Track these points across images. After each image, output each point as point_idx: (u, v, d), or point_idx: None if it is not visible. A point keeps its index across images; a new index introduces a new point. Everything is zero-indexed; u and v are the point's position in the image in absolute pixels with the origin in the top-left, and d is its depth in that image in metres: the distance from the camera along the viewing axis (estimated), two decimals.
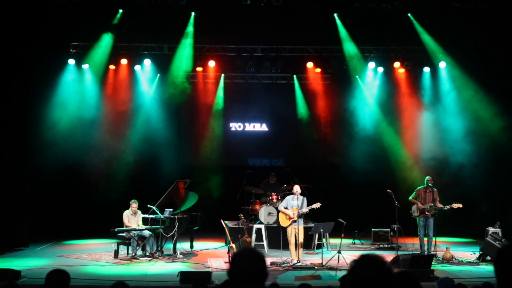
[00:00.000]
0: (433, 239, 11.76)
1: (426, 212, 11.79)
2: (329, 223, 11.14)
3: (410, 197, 12.10)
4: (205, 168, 16.28)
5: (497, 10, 13.92)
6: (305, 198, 11.24)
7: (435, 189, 11.97)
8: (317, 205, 11.04)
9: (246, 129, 17.05)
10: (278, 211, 11.77)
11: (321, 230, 11.44)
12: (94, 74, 15.36)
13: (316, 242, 12.93)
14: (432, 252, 11.53)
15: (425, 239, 11.89)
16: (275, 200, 13.64)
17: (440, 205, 11.78)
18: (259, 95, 16.62)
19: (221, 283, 5.41)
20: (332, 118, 16.70)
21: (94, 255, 12.19)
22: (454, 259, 11.52)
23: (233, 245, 11.18)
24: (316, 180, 15.73)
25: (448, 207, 11.69)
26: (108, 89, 15.65)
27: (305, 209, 11.04)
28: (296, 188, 11.23)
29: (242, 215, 12.66)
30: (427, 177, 12.14)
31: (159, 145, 15.88)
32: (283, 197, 12.01)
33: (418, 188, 12.14)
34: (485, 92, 14.61)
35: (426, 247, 11.86)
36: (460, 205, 11.58)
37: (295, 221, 11.03)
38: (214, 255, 12.39)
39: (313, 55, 15.81)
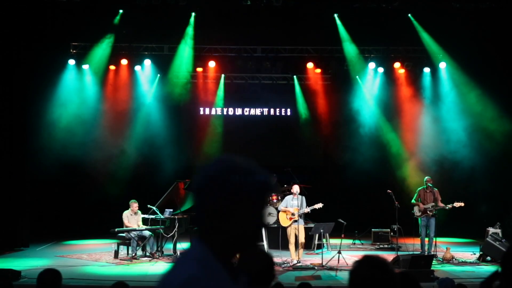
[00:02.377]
0: (434, 239, 11.75)
1: (428, 212, 11.80)
2: (329, 223, 11.14)
3: (413, 200, 12.08)
4: None
5: (497, 11, 13.91)
6: (303, 197, 11.25)
7: (436, 189, 11.97)
8: (319, 205, 11.04)
9: (246, 129, 17.03)
10: (278, 211, 11.77)
11: (321, 231, 11.43)
12: (94, 75, 15.37)
13: (316, 242, 12.93)
14: (432, 253, 11.52)
15: (426, 239, 11.90)
16: (275, 201, 13.62)
17: (442, 205, 11.77)
18: (259, 95, 16.62)
19: None
20: (333, 118, 16.67)
21: (94, 255, 12.18)
22: (454, 259, 11.52)
23: None
24: (316, 180, 15.70)
25: (450, 206, 11.68)
26: (108, 90, 15.65)
27: (307, 209, 11.04)
28: (295, 188, 11.23)
29: None
30: (426, 178, 12.14)
31: (159, 145, 15.87)
32: (283, 198, 12.01)
33: (419, 189, 12.13)
34: (485, 92, 14.60)
35: (426, 247, 11.86)
36: (462, 204, 11.55)
37: (295, 221, 11.02)
38: None
39: (313, 55, 15.79)
